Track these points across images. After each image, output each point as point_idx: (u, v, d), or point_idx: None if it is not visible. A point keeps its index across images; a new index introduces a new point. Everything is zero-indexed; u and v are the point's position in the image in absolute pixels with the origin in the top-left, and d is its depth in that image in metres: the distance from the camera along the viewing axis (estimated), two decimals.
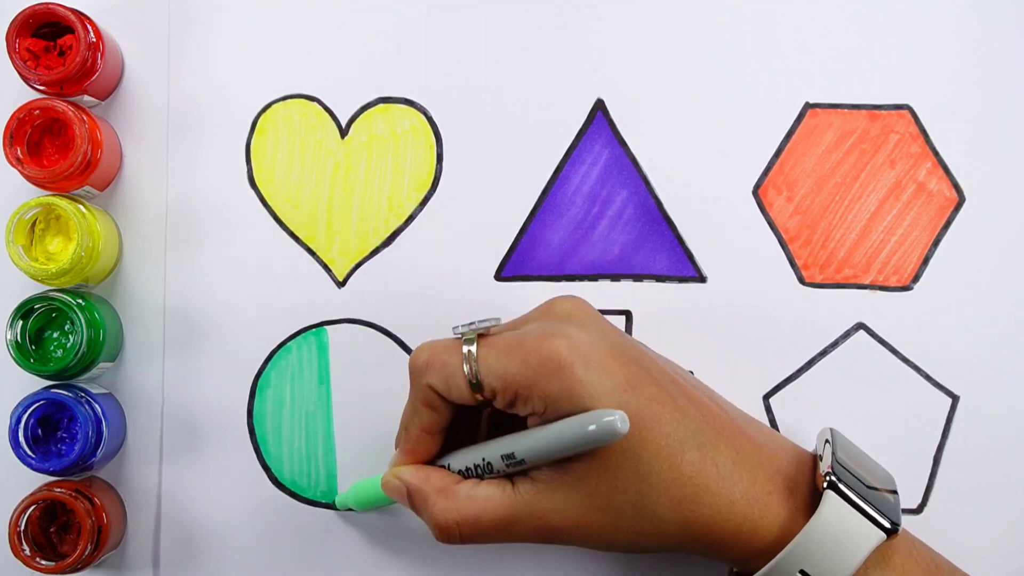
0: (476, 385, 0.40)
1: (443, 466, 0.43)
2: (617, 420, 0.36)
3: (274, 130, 0.50)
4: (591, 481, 0.39)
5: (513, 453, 0.40)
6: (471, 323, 0.41)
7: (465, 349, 0.40)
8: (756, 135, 0.50)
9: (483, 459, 0.41)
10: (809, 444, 0.44)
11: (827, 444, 0.42)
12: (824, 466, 0.40)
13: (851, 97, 0.50)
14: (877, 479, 0.42)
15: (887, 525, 0.39)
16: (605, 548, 0.41)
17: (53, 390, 0.46)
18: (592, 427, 0.37)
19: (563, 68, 0.50)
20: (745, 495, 0.39)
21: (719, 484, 0.39)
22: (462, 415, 0.43)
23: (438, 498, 0.41)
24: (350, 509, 0.48)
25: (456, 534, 0.41)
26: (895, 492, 0.41)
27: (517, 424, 0.41)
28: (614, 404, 0.38)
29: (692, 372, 0.47)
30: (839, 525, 0.38)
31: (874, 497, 0.40)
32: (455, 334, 0.41)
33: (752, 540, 0.39)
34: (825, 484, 0.39)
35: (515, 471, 0.40)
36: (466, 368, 0.40)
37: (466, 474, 0.42)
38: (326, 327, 0.49)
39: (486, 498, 0.40)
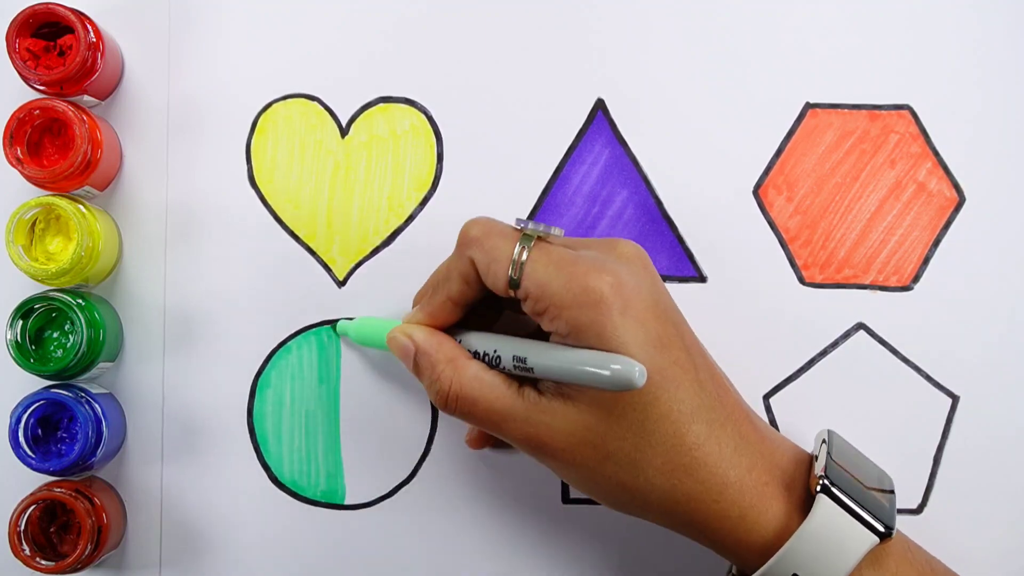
0: (514, 282, 0.40)
1: (455, 338, 0.43)
2: (636, 372, 0.36)
3: (274, 130, 0.50)
4: (593, 416, 0.39)
5: (526, 359, 0.39)
6: (536, 223, 0.40)
7: (519, 247, 0.40)
8: (756, 135, 0.50)
9: (495, 350, 0.41)
10: (808, 444, 0.44)
11: (823, 445, 0.42)
12: (818, 468, 0.40)
13: (851, 97, 0.50)
14: (873, 481, 0.42)
15: (880, 529, 0.39)
16: (582, 487, 0.41)
17: (53, 390, 0.46)
18: (608, 371, 0.36)
19: (563, 68, 0.50)
20: (739, 480, 0.39)
21: (717, 463, 0.39)
22: (485, 301, 0.43)
23: (446, 366, 0.41)
24: (347, 336, 0.48)
25: (454, 406, 0.41)
26: (892, 493, 0.41)
27: (531, 333, 0.41)
28: (640, 356, 0.38)
29: None
30: (831, 529, 0.38)
31: (868, 500, 0.40)
32: (517, 225, 0.41)
33: (739, 529, 0.39)
34: (818, 487, 0.39)
35: (521, 376, 0.40)
36: (512, 263, 0.40)
37: (475, 356, 0.42)
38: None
39: (491, 386, 0.40)
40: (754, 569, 0.39)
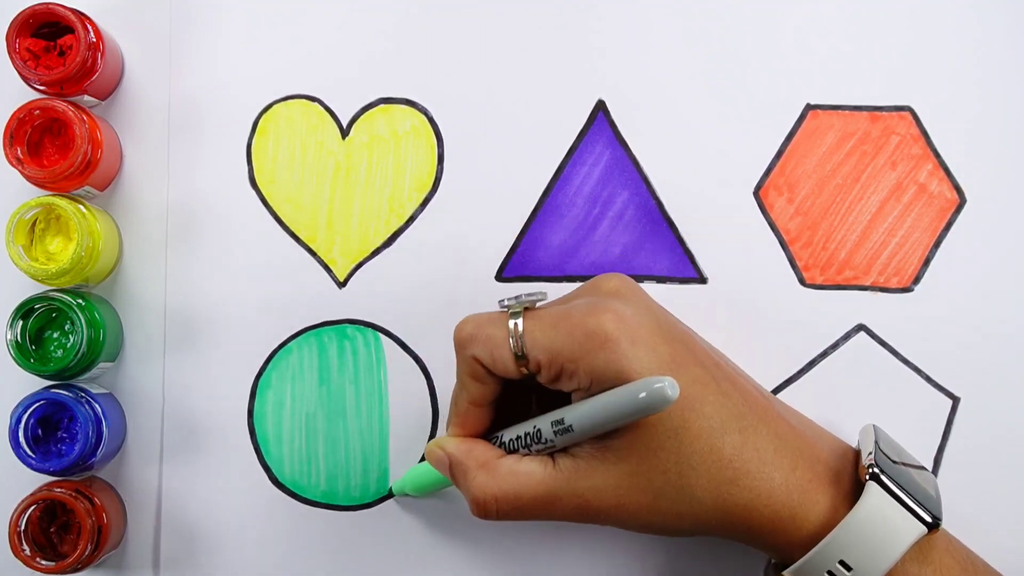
0: (522, 358, 0.40)
1: (494, 440, 0.43)
2: (667, 386, 0.36)
3: (275, 130, 0.50)
4: (632, 460, 0.39)
5: (563, 419, 0.39)
6: (518, 296, 0.41)
7: (511, 322, 0.40)
8: (757, 136, 0.50)
9: (534, 427, 0.41)
10: None
11: (872, 437, 0.42)
12: (867, 458, 0.40)
13: (852, 98, 0.50)
14: (918, 475, 0.42)
15: (928, 519, 0.39)
16: (643, 529, 0.41)
17: (53, 390, 0.46)
18: (643, 394, 0.37)
19: (564, 68, 0.50)
20: (785, 481, 0.39)
21: (759, 468, 0.39)
22: (511, 395, 0.43)
23: (479, 472, 0.41)
24: (407, 495, 0.48)
25: (494, 509, 0.41)
26: (936, 489, 0.41)
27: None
28: None
29: None
30: (880, 517, 0.38)
31: (918, 490, 0.40)
32: (501, 307, 0.41)
33: (790, 528, 0.39)
34: (868, 475, 0.39)
35: (564, 440, 0.40)
36: (512, 341, 0.40)
37: (516, 444, 0.41)
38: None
39: (527, 474, 0.40)
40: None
